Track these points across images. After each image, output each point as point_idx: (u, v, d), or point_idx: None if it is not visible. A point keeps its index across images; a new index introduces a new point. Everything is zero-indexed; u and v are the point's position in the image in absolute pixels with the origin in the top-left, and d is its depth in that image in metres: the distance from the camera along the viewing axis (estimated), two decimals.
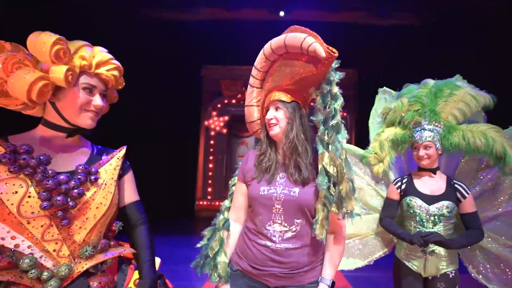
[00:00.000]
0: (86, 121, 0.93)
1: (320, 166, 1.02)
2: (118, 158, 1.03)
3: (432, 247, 1.49)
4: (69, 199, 0.84)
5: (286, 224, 1.06)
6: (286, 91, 1.14)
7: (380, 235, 1.83)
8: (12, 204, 0.77)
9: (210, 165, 8.04)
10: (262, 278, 1.07)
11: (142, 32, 5.35)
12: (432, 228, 1.51)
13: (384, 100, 1.95)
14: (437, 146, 1.55)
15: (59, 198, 0.82)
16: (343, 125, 1.05)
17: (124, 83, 1.08)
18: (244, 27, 6.27)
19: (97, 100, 0.94)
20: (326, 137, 1.03)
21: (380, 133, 1.81)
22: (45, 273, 0.79)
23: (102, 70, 0.96)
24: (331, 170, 0.99)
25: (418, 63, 5.33)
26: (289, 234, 1.05)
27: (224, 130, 8.13)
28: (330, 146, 1.02)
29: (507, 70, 3.97)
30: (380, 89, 2.00)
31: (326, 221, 1.00)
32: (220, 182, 7.91)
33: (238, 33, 6.40)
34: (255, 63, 1.22)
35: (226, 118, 8.14)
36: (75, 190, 0.85)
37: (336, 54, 1.01)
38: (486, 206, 1.65)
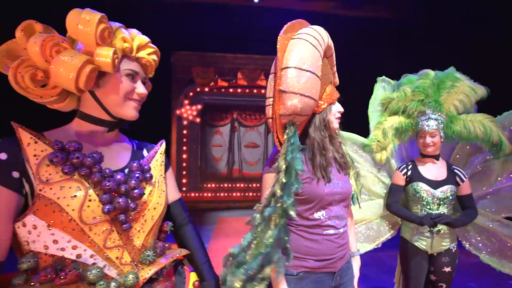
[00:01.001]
0: (130, 111, 0.84)
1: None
2: (161, 153, 0.96)
3: (439, 227, 1.64)
4: (129, 201, 0.77)
5: (341, 212, 1.13)
6: None
7: (385, 219, 1.96)
8: (73, 210, 0.69)
9: (184, 156, 7.81)
10: (329, 267, 1.08)
11: (109, 16, 4.89)
12: (437, 209, 1.66)
13: (383, 89, 2.03)
14: (441, 134, 1.68)
15: (120, 200, 0.75)
16: None
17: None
18: (217, 12, 6.06)
19: (141, 88, 0.86)
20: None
21: (383, 121, 1.89)
22: (113, 284, 0.73)
23: (143, 54, 0.87)
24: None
25: (387, 54, 5.63)
26: (345, 221, 1.15)
27: (197, 119, 7.91)
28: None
29: (479, 63, 4.35)
30: (379, 78, 2.06)
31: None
32: (195, 173, 7.75)
33: (210, 18, 6.17)
34: (321, 33, 0.99)
35: (199, 106, 7.91)
36: (136, 190, 0.78)
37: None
38: (477, 187, 1.85)
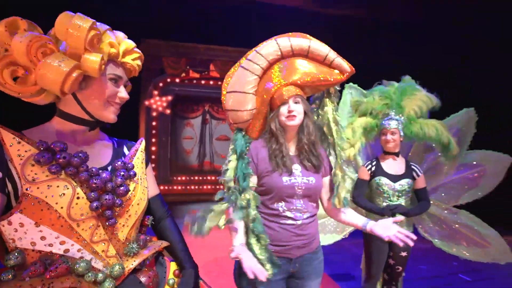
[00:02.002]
0: (110, 115, 0.87)
1: (337, 151, 1.27)
2: (142, 151, 1.00)
3: (397, 216, 1.84)
4: (115, 197, 0.82)
5: (304, 206, 1.23)
6: (301, 88, 1.25)
7: None
8: (62, 208, 0.72)
9: (153, 148, 7.62)
10: (285, 253, 1.20)
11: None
12: (396, 201, 1.86)
13: (350, 95, 2.27)
14: (400, 133, 1.88)
15: (107, 197, 0.79)
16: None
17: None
18: (190, 0, 5.93)
19: (123, 92, 0.90)
20: (340, 130, 1.27)
21: (353, 122, 2.08)
22: (100, 275, 0.77)
23: (128, 59, 0.91)
24: (342, 155, 1.27)
25: (358, 52, 5.91)
26: (307, 214, 1.24)
27: (168, 111, 7.73)
28: (341, 137, 1.26)
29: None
30: (346, 85, 2.29)
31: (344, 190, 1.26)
32: (164, 165, 7.61)
33: (182, 6, 6.03)
34: (261, 51, 1.24)
35: (170, 97, 7.72)
36: (122, 188, 0.83)
37: (353, 69, 1.24)
38: (430, 180, 2.10)
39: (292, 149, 1.28)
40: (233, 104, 1.26)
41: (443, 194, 2.10)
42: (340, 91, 2.30)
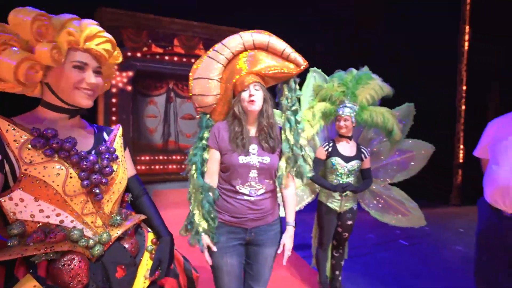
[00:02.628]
0: (82, 100, 0.94)
1: (284, 137, 1.44)
2: (120, 136, 1.14)
3: (346, 192, 2.17)
4: (102, 177, 0.96)
5: (259, 184, 1.40)
6: (261, 77, 1.43)
7: (307, 187, 2.45)
8: (58, 185, 0.85)
9: (113, 127, 7.39)
10: (241, 224, 1.41)
11: None
12: (346, 179, 2.18)
13: (314, 79, 2.47)
14: (353, 120, 2.16)
15: (95, 176, 0.93)
16: (299, 109, 1.51)
17: (121, 57, 1.11)
18: None
19: (90, 78, 0.94)
20: (291, 116, 1.46)
21: (313, 105, 2.32)
22: (91, 241, 0.93)
23: (91, 45, 0.93)
24: (291, 139, 1.43)
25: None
26: (262, 190, 1.41)
27: (129, 87, 7.48)
28: (291, 122, 1.45)
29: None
30: (311, 69, 2.49)
31: (287, 175, 1.45)
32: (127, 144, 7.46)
33: None
34: (227, 43, 1.44)
35: (130, 73, 7.45)
36: (107, 169, 0.97)
37: (307, 63, 1.44)
38: (373, 161, 2.45)
39: (252, 131, 1.44)
40: (199, 89, 1.42)
41: (381, 174, 2.49)
42: (304, 76, 2.54)
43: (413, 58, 5.61)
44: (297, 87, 1.51)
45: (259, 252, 1.47)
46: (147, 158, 7.82)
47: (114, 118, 7.40)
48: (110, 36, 0.99)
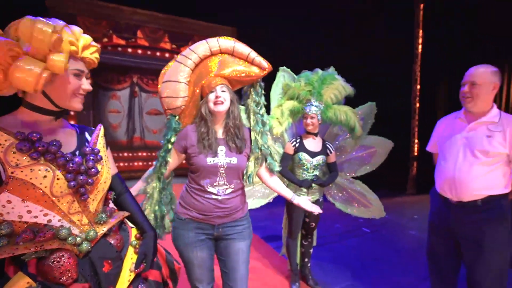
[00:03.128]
0: (77, 105, 1.03)
1: (253, 138, 1.55)
2: (102, 137, 1.19)
3: (313, 186, 2.36)
4: (87, 178, 1.02)
5: (227, 183, 1.47)
6: (228, 79, 1.52)
7: None
8: (46, 187, 0.90)
9: (72, 122, 7.00)
10: (208, 220, 1.48)
11: None
12: (312, 173, 2.37)
13: (283, 77, 2.63)
14: (318, 117, 2.35)
15: (81, 177, 0.98)
16: (265, 113, 1.61)
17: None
18: None
19: (86, 84, 1.04)
20: (259, 119, 1.57)
21: (282, 103, 2.47)
22: (78, 238, 0.99)
23: (86, 54, 1.03)
24: (260, 140, 1.55)
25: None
26: (229, 190, 1.48)
27: (88, 81, 7.11)
28: (259, 124, 1.56)
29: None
30: (280, 68, 2.64)
31: (265, 169, 1.61)
32: None
33: None
34: (195, 49, 1.51)
35: None
36: (93, 170, 1.02)
37: (271, 67, 1.54)
38: (338, 156, 2.68)
39: (219, 132, 1.50)
40: (168, 92, 1.48)
41: (346, 167, 2.73)
42: (274, 75, 2.67)
43: (374, 60, 6.05)
44: (263, 91, 1.61)
45: (228, 246, 1.53)
46: None
47: (72, 113, 7.03)
48: (98, 45, 1.08)
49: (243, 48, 1.52)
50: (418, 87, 6.67)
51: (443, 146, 1.84)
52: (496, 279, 1.64)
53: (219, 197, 1.47)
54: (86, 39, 1.03)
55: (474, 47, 5.56)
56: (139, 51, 7.49)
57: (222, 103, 1.45)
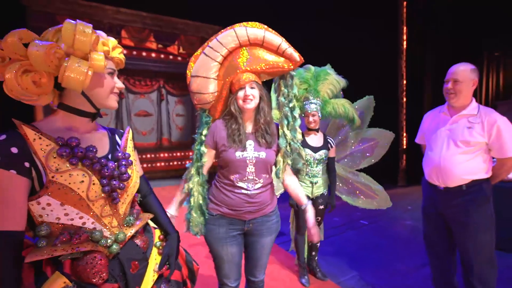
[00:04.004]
0: (113, 103, 1.06)
1: (281, 132, 1.54)
2: (131, 140, 1.21)
3: (316, 180, 2.44)
4: (120, 182, 1.04)
5: (256, 178, 1.47)
6: (257, 74, 1.48)
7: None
8: (83, 192, 0.93)
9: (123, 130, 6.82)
10: (240, 216, 1.50)
11: None
12: (316, 167, 2.45)
13: None
14: (319, 114, 2.43)
15: (115, 182, 1.01)
16: (296, 106, 1.57)
17: None
18: None
19: (119, 83, 1.08)
20: (287, 113, 1.55)
21: None
22: (109, 241, 1.02)
23: (115, 54, 1.07)
24: (288, 135, 1.53)
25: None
26: (259, 184, 1.49)
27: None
28: (288, 118, 1.54)
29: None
30: None
31: (284, 168, 1.59)
32: None
33: None
34: (221, 40, 1.43)
35: None
36: (125, 175, 1.05)
37: (303, 59, 1.47)
38: (341, 150, 2.78)
39: (249, 128, 1.51)
40: (197, 87, 1.46)
41: (349, 161, 2.84)
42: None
43: (363, 56, 6.21)
44: (293, 82, 1.54)
45: (257, 241, 1.58)
46: None
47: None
48: (121, 47, 1.12)
49: (273, 38, 1.43)
50: (405, 82, 6.89)
51: (430, 138, 2.00)
52: (485, 257, 1.80)
53: (249, 192, 1.47)
54: (113, 40, 1.07)
55: (455, 43, 5.85)
56: (125, 51, 7.26)
57: (252, 100, 1.45)
